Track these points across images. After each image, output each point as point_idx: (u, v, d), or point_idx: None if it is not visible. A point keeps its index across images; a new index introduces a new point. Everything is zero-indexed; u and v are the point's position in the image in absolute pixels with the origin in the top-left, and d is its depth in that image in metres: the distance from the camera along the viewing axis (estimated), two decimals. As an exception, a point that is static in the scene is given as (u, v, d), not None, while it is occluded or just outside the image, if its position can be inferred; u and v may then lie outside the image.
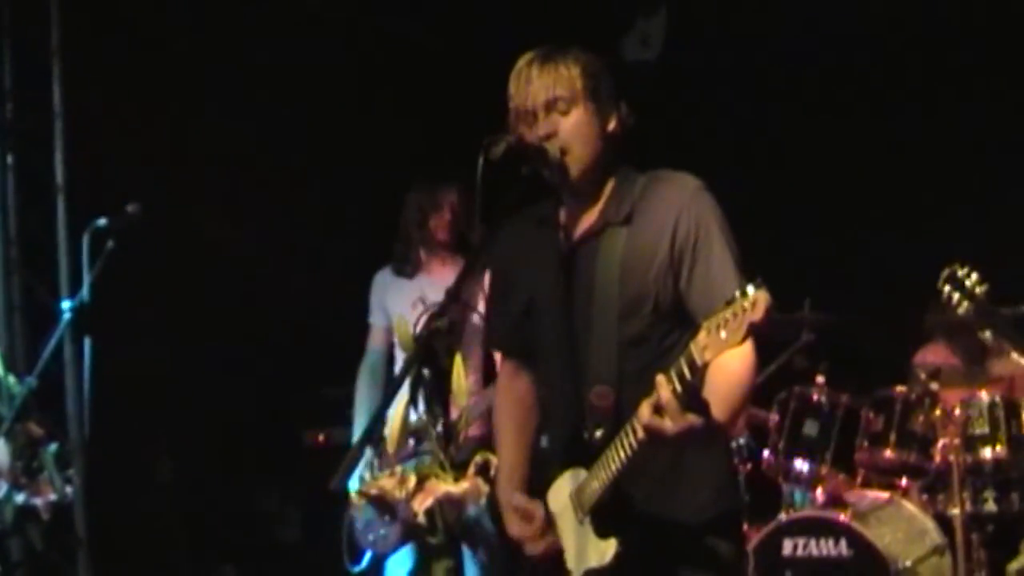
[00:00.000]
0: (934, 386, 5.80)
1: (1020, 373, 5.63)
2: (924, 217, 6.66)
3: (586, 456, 3.27)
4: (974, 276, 4.00)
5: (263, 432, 5.53)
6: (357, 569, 5.48)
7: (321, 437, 5.46)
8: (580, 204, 3.42)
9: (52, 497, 5.04)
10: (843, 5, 6.81)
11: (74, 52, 6.38)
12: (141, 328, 6.39)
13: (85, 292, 5.18)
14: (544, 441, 3.60)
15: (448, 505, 2.95)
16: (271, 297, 5.77)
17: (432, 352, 3.03)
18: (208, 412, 6.57)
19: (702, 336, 2.84)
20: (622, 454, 3.11)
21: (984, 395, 5.63)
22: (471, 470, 2.97)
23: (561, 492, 3.38)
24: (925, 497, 5.87)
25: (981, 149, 6.56)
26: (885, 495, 5.87)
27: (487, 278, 5.33)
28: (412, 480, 2.96)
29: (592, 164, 3.36)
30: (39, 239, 6.35)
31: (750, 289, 2.77)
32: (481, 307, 3.10)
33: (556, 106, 3.32)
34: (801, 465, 5.84)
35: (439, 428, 3.02)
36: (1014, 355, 5.19)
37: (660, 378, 2.97)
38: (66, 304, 5.31)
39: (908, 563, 5.44)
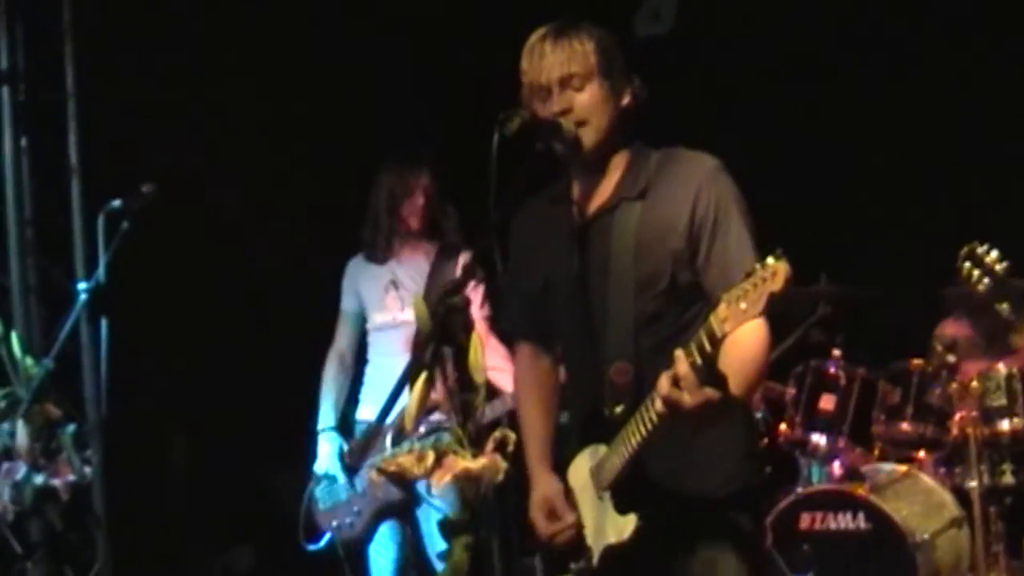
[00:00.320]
0: (951, 359, 5.79)
1: (1038, 346, 5.63)
2: (942, 189, 6.63)
3: (606, 432, 3.28)
4: (994, 254, 3.99)
5: (280, 412, 5.54)
6: (312, 548, 5.49)
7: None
8: (593, 179, 3.41)
9: (71, 478, 5.06)
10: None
11: (87, 33, 6.37)
12: (157, 308, 6.40)
13: (101, 273, 5.20)
14: (564, 418, 3.61)
15: (467, 482, 2.95)
16: (287, 276, 5.77)
17: (449, 329, 3.03)
18: (224, 392, 6.58)
19: (722, 308, 2.83)
20: (642, 429, 3.11)
21: (1002, 367, 5.63)
22: (489, 446, 2.96)
23: (581, 468, 3.38)
24: (942, 470, 5.87)
25: (1002, 123, 6.52)
26: (902, 468, 5.87)
27: (461, 260, 5.34)
28: (431, 457, 2.95)
29: (606, 139, 3.36)
30: (54, 221, 6.35)
31: (769, 260, 2.77)
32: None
33: (571, 83, 3.32)
34: (818, 439, 5.84)
35: (457, 405, 3.00)
36: (1032, 328, 5.18)
37: (679, 352, 2.96)
38: (82, 286, 5.33)
39: (925, 536, 5.44)
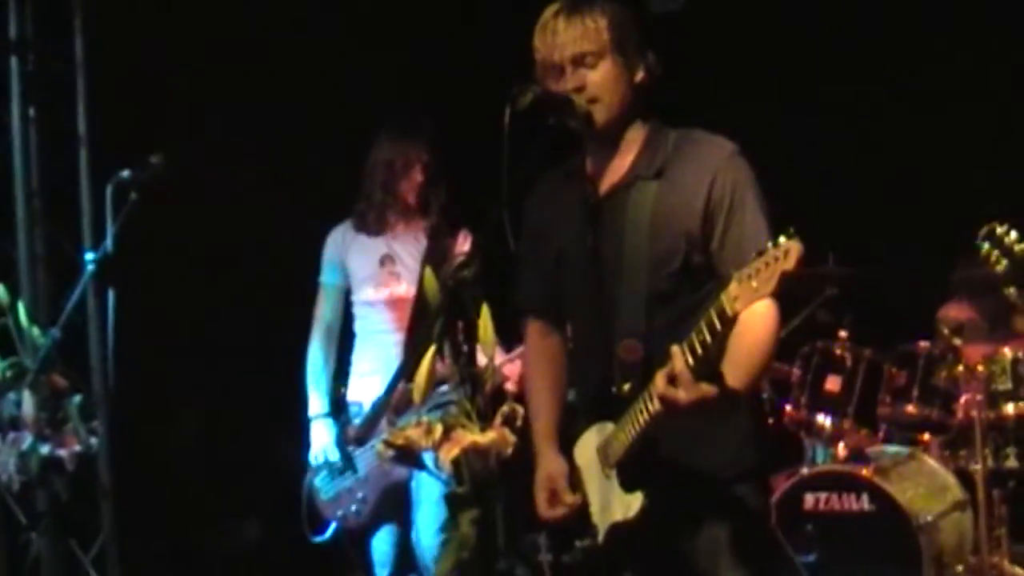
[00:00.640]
0: (957, 342, 5.80)
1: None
2: (950, 171, 6.62)
3: (614, 410, 3.28)
4: (1013, 234, 3.98)
5: (289, 384, 5.53)
6: (319, 539, 5.35)
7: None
8: (607, 155, 3.41)
9: (76, 448, 5.06)
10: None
11: (96, 2, 6.34)
12: (165, 279, 6.39)
13: (109, 244, 5.17)
14: (571, 395, 3.60)
15: (475, 455, 2.95)
16: (296, 247, 5.75)
17: (459, 302, 3.02)
18: (232, 363, 6.58)
19: (733, 286, 2.83)
20: (650, 407, 3.11)
21: (1007, 351, 5.64)
22: (498, 420, 2.96)
23: (588, 446, 3.38)
24: (947, 453, 5.89)
25: (1012, 103, 6.49)
26: (907, 450, 5.88)
27: (460, 237, 5.25)
28: (439, 430, 2.96)
29: (619, 116, 3.36)
30: (62, 191, 6.33)
31: (782, 239, 2.77)
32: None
33: (584, 60, 3.31)
34: (823, 420, 5.84)
35: (466, 378, 3.00)
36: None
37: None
38: (89, 256, 5.31)
39: (930, 518, 5.45)
